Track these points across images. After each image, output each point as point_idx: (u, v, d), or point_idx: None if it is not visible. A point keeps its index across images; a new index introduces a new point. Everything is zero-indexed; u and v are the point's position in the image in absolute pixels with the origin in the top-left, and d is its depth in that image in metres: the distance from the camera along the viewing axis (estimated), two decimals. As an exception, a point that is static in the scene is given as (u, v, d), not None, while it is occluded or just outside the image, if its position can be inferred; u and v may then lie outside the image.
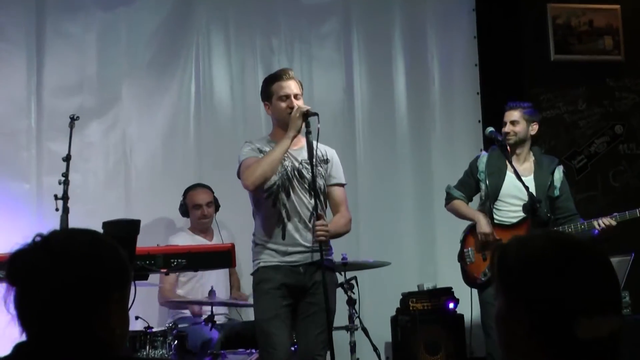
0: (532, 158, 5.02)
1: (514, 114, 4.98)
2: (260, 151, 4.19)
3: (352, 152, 6.18)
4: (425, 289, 5.67)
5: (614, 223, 4.75)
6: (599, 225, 4.74)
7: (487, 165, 5.02)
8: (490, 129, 4.89)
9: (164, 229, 5.72)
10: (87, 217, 5.03)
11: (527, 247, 1.56)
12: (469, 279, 5.03)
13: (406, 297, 5.56)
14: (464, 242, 5.07)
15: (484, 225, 4.88)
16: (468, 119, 6.48)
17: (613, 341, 1.49)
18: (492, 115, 5.87)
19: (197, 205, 5.55)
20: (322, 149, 4.31)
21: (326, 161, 4.31)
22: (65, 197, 4.46)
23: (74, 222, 4.35)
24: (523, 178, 4.77)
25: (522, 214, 4.84)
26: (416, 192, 6.31)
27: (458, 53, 6.55)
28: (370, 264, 5.22)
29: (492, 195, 4.94)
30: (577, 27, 6.72)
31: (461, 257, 5.06)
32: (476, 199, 5.23)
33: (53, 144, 5.54)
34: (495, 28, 6.55)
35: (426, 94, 6.48)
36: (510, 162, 4.79)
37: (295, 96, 4.21)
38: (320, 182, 4.22)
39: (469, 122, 6.47)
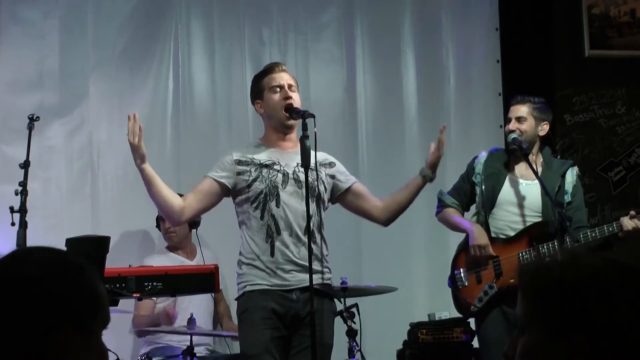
0: (540, 160, 4.92)
1: (521, 109, 4.89)
2: (241, 165, 4.24)
3: (353, 160, 6.16)
4: (437, 318, 5.69)
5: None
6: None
7: (485, 167, 4.93)
8: (513, 135, 4.84)
9: (136, 247, 5.76)
10: (48, 232, 5.13)
11: (584, 268, 1.55)
12: (462, 306, 4.97)
13: (415, 328, 5.54)
14: (454, 263, 4.99)
15: (477, 236, 4.76)
16: (488, 124, 6.49)
17: None
18: (516, 119, 5.93)
19: (162, 217, 5.59)
20: (321, 155, 4.33)
21: (331, 164, 4.38)
22: (22, 210, 4.47)
23: (33, 239, 4.38)
24: (525, 181, 4.81)
25: (520, 226, 4.79)
26: (428, 208, 6.21)
27: (477, 47, 6.59)
28: (374, 289, 5.17)
29: (488, 201, 4.85)
30: (616, 18, 6.74)
31: (452, 281, 4.98)
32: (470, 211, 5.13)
33: (8, 148, 5.57)
34: (521, 19, 6.59)
35: (440, 94, 6.51)
36: (536, 174, 4.71)
37: (290, 87, 4.26)
38: (321, 188, 4.26)
39: (489, 127, 6.48)
